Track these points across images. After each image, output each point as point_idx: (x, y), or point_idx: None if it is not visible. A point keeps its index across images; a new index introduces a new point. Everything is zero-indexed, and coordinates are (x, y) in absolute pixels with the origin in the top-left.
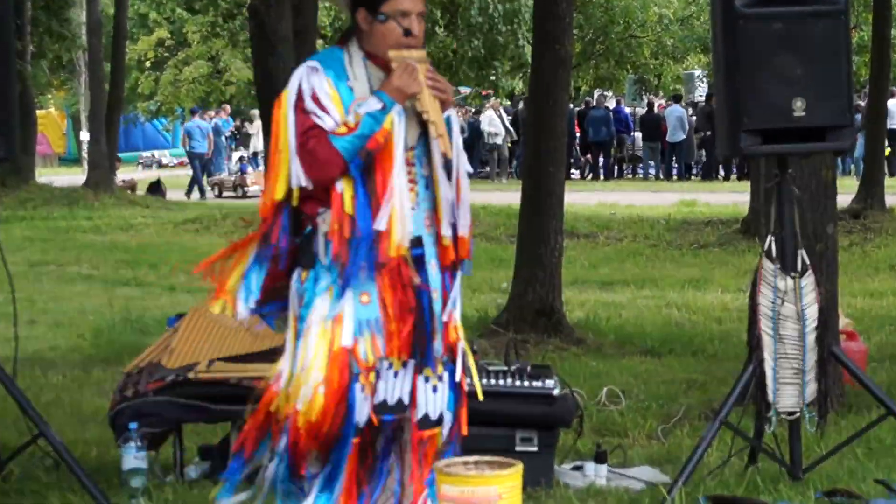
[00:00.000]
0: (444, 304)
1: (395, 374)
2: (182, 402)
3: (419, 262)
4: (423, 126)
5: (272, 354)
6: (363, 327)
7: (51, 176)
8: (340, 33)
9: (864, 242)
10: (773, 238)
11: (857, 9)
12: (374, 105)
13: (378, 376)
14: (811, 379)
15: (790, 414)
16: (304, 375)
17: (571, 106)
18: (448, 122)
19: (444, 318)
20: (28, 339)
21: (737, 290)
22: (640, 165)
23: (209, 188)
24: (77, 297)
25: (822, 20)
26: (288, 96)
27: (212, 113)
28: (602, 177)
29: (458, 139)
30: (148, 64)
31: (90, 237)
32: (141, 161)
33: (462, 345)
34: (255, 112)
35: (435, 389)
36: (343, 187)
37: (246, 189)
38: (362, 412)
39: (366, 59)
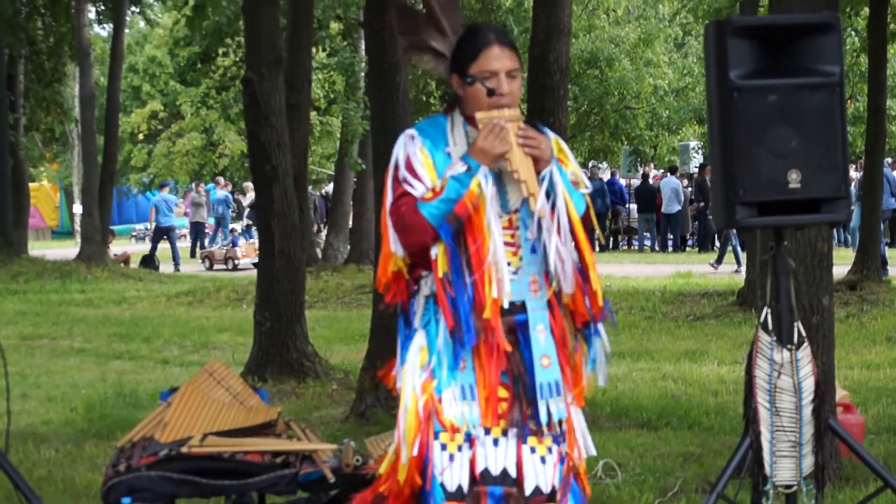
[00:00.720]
0: (563, 370)
1: (496, 442)
2: (175, 477)
3: (524, 329)
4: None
5: (265, 429)
6: (457, 392)
7: (43, 249)
8: (446, 101)
9: (861, 314)
10: (768, 310)
11: (853, 79)
12: (460, 168)
13: (473, 443)
14: (808, 452)
15: (787, 487)
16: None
17: None
18: (549, 179)
19: (553, 389)
20: (20, 413)
21: (733, 362)
22: (636, 237)
23: (200, 260)
24: (69, 370)
25: (818, 92)
26: (390, 166)
27: (201, 187)
28: (597, 248)
29: (563, 194)
30: (141, 136)
31: (83, 311)
32: (134, 234)
33: (579, 417)
34: (248, 185)
35: (543, 461)
36: (437, 253)
37: (237, 262)
38: (449, 475)
39: (466, 125)
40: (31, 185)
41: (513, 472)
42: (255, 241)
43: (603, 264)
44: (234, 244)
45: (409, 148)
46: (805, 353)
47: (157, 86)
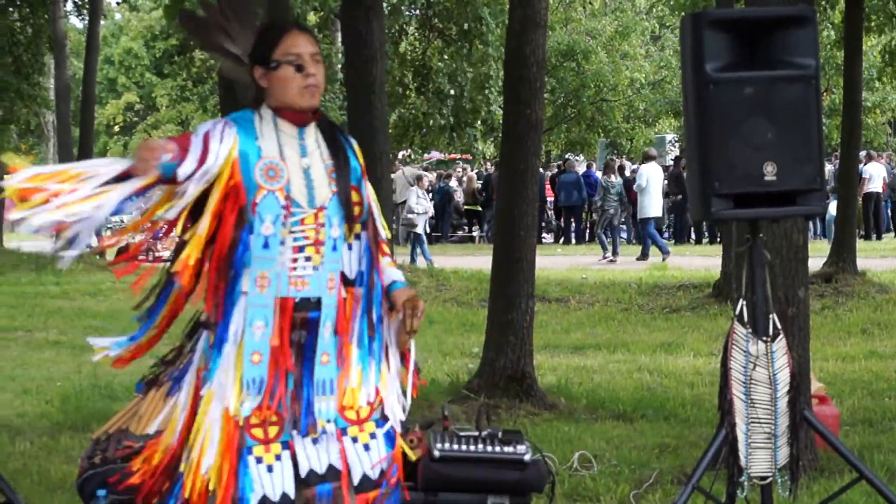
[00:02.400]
0: (345, 369)
1: (315, 442)
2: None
3: (315, 325)
4: (337, 185)
5: None
6: (250, 388)
7: (19, 241)
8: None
9: (836, 306)
10: (744, 302)
11: (829, 72)
12: None
13: (292, 447)
14: (783, 443)
15: (762, 479)
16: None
17: (544, 170)
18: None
19: (326, 386)
20: None
21: (709, 354)
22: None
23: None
24: (45, 363)
25: (793, 84)
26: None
27: None
28: (574, 241)
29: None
30: (117, 128)
31: (58, 303)
32: (109, 226)
33: (392, 400)
34: None
35: (367, 448)
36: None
37: (156, 253)
38: (270, 485)
39: (275, 117)
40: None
41: (339, 466)
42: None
43: (580, 256)
44: (156, 237)
45: (219, 127)
46: (780, 345)
47: (133, 78)
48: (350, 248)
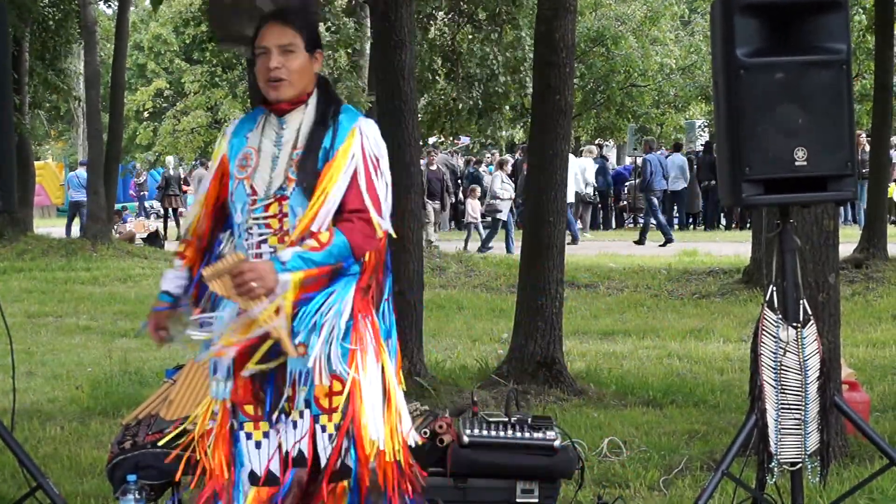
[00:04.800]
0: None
1: (295, 425)
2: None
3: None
4: (297, 174)
5: None
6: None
7: (49, 227)
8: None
9: (867, 292)
10: (774, 288)
11: (860, 57)
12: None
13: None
14: (813, 429)
15: (792, 464)
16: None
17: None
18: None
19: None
20: (26, 391)
21: (739, 340)
22: (641, 215)
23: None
24: (75, 348)
25: (825, 70)
26: None
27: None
28: (601, 227)
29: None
30: (146, 114)
31: (88, 288)
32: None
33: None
34: None
35: (331, 438)
36: None
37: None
38: (258, 461)
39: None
40: (36, 163)
41: (307, 453)
42: (142, 218)
43: (608, 242)
44: (125, 221)
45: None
46: (811, 330)
47: (163, 64)
48: None
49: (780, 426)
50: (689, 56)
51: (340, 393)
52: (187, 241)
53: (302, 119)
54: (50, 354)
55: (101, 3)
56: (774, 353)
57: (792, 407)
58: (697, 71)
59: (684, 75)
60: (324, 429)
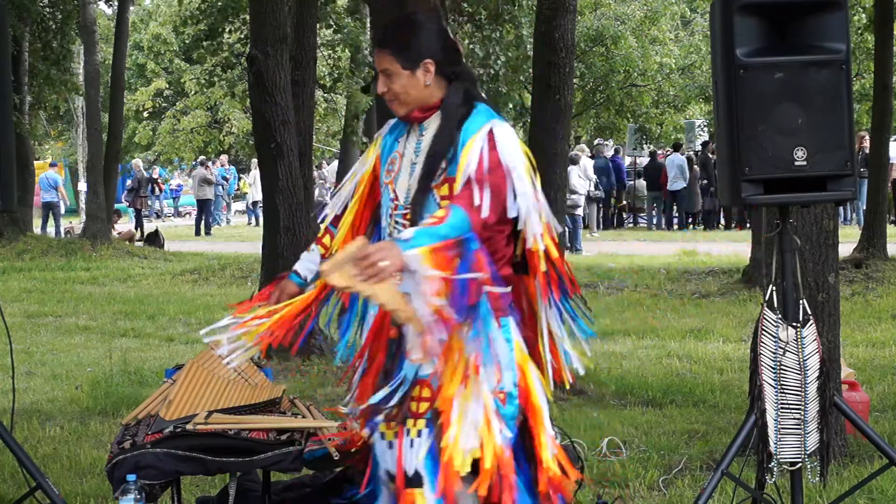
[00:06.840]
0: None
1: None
2: (180, 454)
3: None
4: (418, 183)
5: (270, 406)
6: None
7: (48, 227)
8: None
9: (866, 292)
10: (774, 288)
11: (859, 56)
12: None
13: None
14: (813, 429)
15: (792, 464)
16: None
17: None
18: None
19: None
20: (25, 390)
21: (738, 340)
22: (641, 215)
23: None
24: (75, 348)
25: (824, 69)
26: None
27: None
28: (601, 226)
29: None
30: (146, 114)
31: (88, 288)
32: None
33: (458, 405)
34: (254, 161)
35: (412, 444)
36: None
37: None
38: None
39: None
40: (36, 163)
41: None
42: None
43: (608, 242)
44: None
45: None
46: (810, 330)
47: (162, 63)
48: None
49: (779, 426)
50: (689, 56)
51: (428, 400)
52: (327, 229)
53: (435, 125)
54: (49, 354)
55: (101, 2)
56: (774, 353)
57: (791, 407)
58: (697, 71)
59: (684, 75)
60: (408, 432)
